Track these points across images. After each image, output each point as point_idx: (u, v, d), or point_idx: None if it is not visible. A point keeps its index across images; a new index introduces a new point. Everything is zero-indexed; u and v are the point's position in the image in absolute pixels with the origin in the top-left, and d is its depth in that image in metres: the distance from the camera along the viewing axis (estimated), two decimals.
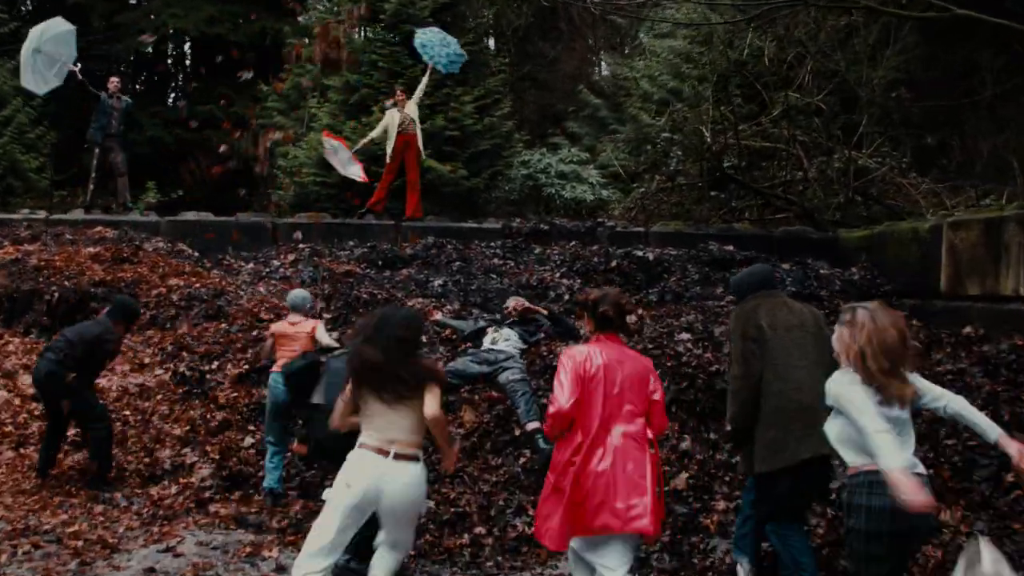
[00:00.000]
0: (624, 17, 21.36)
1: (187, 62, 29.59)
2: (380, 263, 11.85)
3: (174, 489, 7.55)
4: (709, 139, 14.64)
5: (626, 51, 25.15)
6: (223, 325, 9.73)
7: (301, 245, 12.45)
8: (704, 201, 15.04)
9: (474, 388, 8.10)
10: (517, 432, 7.57)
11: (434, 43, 13.83)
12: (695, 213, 15.09)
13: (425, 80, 13.86)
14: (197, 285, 10.56)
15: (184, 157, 24.41)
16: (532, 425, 7.51)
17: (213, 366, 9.03)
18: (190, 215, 13.68)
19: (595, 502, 4.73)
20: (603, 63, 26.66)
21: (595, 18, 25.16)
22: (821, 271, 11.67)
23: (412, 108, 13.82)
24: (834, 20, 15.43)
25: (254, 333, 9.35)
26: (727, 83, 16.00)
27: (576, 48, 26.58)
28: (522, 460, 7.35)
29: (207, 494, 7.45)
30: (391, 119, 13.79)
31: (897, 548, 4.31)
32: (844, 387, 4.31)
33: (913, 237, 10.90)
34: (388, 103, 14.19)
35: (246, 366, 8.87)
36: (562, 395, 4.85)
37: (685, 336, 8.46)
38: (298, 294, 8.09)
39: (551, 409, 4.90)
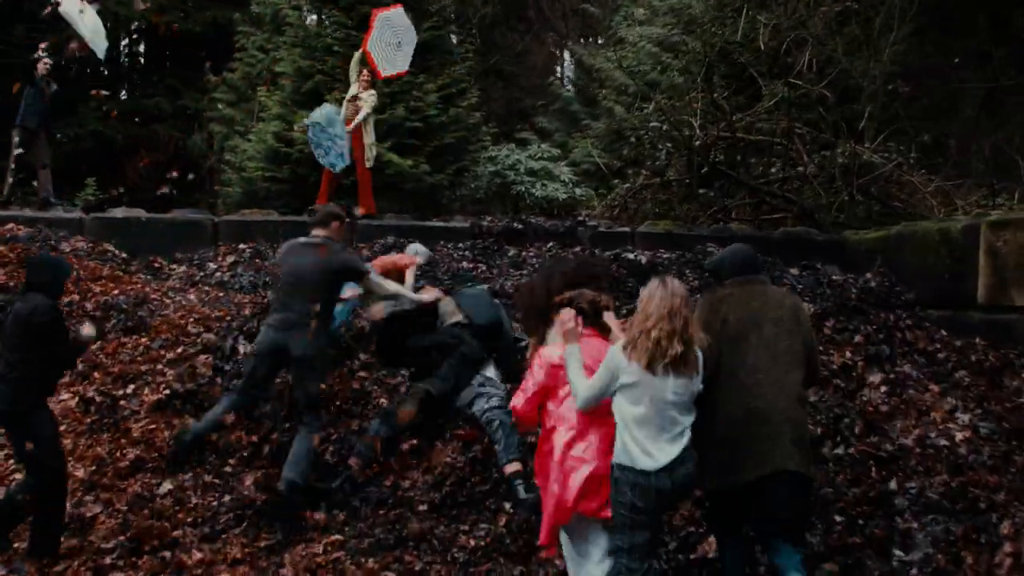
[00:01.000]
0: (598, 3, 20.22)
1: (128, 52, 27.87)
2: None
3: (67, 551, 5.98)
4: (698, 131, 13.26)
5: (599, 41, 23.76)
6: (143, 340, 8.15)
7: (242, 246, 10.91)
8: (692, 199, 13.67)
9: (445, 420, 6.67)
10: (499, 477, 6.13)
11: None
12: (681, 212, 13.74)
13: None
14: (116, 292, 8.95)
15: (128, 153, 22.83)
16: (511, 468, 6.14)
17: (128, 390, 7.45)
18: (119, 212, 12.10)
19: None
20: (573, 55, 25.25)
21: (565, 8, 23.88)
22: (833, 277, 10.35)
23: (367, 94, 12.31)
24: (828, 6, 14.25)
25: (179, 350, 7.81)
26: (713, 71, 14.67)
27: (545, 40, 25.20)
28: (505, 518, 5.90)
29: (108, 559, 5.87)
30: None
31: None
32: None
33: (941, 239, 9.54)
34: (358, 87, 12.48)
35: (167, 391, 7.33)
36: (520, 399, 5.22)
37: None
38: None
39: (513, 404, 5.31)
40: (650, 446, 4.63)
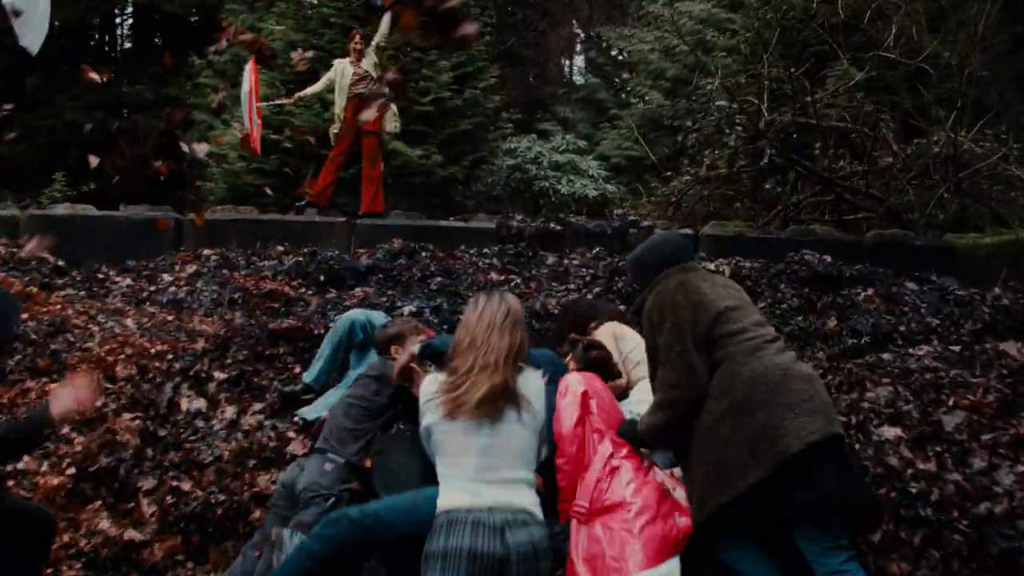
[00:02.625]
0: None
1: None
2: (322, 278, 8.02)
3: None
4: (766, 113, 10.93)
5: (628, 22, 21.43)
6: (54, 385, 5.80)
7: (207, 252, 8.61)
8: (758, 195, 11.38)
9: None
10: None
11: None
12: (743, 211, 11.47)
13: (387, 21, 10.02)
14: (25, 317, 6.59)
15: (108, 145, 20.68)
16: None
17: (18, 465, 5.11)
18: (61, 208, 9.83)
19: None
20: (600, 37, 22.89)
21: None
22: (958, 292, 8.08)
23: (370, 62, 10.10)
24: None
25: (99, 403, 5.44)
26: (772, 46, 12.37)
27: (567, 21, 22.90)
28: None
29: None
30: (339, 73, 10.12)
31: None
32: None
33: None
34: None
35: (71, 471, 4.96)
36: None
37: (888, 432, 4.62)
38: None
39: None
40: None
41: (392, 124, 10.24)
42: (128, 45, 24.78)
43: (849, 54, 11.80)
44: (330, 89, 10.41)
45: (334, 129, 10.31)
